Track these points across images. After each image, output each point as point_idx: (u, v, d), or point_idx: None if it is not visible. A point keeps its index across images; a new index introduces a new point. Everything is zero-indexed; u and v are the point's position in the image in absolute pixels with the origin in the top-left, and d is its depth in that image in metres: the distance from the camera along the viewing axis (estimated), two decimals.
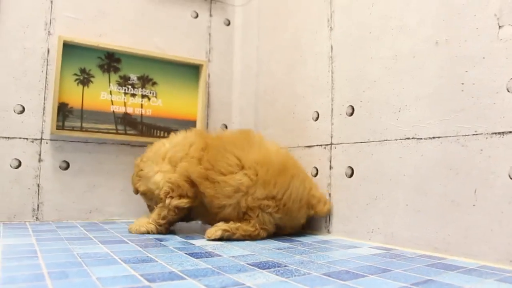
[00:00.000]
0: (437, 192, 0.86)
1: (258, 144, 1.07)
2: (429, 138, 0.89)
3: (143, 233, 1.04)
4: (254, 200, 0.98)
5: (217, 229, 0.96)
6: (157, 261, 0.71)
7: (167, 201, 1.03)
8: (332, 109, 1.15)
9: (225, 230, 0.96)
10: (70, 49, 1.25)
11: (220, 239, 0.95)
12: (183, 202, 1.04)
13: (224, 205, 1.01)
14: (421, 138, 0.90)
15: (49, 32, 1.24)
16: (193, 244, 0.90)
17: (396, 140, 0.96)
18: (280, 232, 1.05)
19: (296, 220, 1.06)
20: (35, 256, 0.73)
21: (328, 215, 1.11)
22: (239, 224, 0.98)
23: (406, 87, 0.95)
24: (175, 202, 1.03)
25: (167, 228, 1.06)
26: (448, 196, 0.84)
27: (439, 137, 0.87)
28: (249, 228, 0.98)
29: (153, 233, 1.04)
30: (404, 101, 0.95)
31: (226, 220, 1.01)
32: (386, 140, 0.98)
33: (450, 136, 0.85)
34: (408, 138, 0.93)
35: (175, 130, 1.36)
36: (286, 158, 1.08)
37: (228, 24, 1.57)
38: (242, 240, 0.97)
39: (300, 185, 1.04)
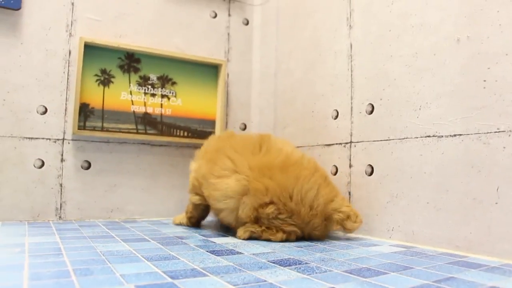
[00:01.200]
0: (459, 190, 0.85)
1: (266, 149, 1.04)
2: (450, 135, 0.88)
3: (177, 224, 1.19)
4: (250, 211, 0.95)
5: (245, 230, 0.96)
6: (178, 259, 0.72)
7: (189, 197, 1.15)
8: (351, 107, 1.14)
9: (252, 232, 0.96)
10: (91, 50, 1.26)
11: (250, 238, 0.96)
12: (195, 199, 1.12)
13: (218, 208, 1.01)
14: (442, 136, 0.89)
15: (70, 33, 1.26)
16: (214, 242, 0.91)
17: (417, 138, 0.95)
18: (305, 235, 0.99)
19: (312, 228, 0.96)
20: (60, 253, 0.74)
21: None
22: (264, 228, 0.95)
23: (426, 85, 0.94)
24: (192, 198, 1.14)
25: (194, 222, 1.16)
26: (470, 194, 0.83)
27: (460, 134, 0.86)
28: (270, 236, 0.94)
29: (183, 225, 1.17)
30: (425, 99, 0.94)
31: (226, 222, 1.03)
32: (407, 138, 0.98)
33: (471, 134, 0.84)
34: (429, 136, 0.92)
35: (195, 130, 1.38)
36: (293, 161, 1.00)
37: (247, 23, 1.58)
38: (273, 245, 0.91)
39: (310, 190, 0.95)
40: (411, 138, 0.97)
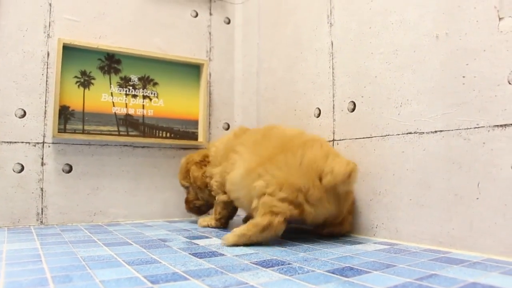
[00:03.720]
0: (441, 186, 0.86)
1: (256, 136, 1.06)
2: (431, 132, 0.88)
3: (204, 227, 1.18)
4: (249, 193, 0.94)
5: (233, 236, 0.87)
6: (160, 262, 0.71)
7: (217, 197, 1.16)
8: (333, 105, 1.14)
9: (242, 235, 0.87)
10: (70, 52, 1.24)
11: (236, 245, 0.87)
12: (224, 197, 1.13)
13: (237, 197, 1.05)
14: (423, 132, 0.90)
15: (48, 35, 1.24)
16: (197, 244, 0.90)
17: (398, 135, 0.95)
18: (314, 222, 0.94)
19: (322, 207, 0.89)
20: (39, 260, 0.73)
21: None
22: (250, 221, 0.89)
23: (407, 81, 0.94)
24: (220, 197, 1.14)
25: (223, 223, 1.17)
26: (451, 190, 0.84)
27: (441, 131, 0.86)
28: (258, 220, 0.86)
29: (212, 227, 1.17)
30: (406, 95, 0.94)
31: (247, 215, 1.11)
32: (388, 135, 0.98)
33: (452, 130, 0.84)
34: (410, 133, 0.93)
35: (177, 130, 1.37)
36: (289, 137, 0.99)
37: (229, 22, 1.57)
38: (257, 245, 0.87)
39: (303, 155, 0.91)
40: (393, 135, 0.97)
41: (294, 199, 0.87)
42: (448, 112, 0.85)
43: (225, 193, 1.12)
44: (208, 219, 1.19)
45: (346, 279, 0.61)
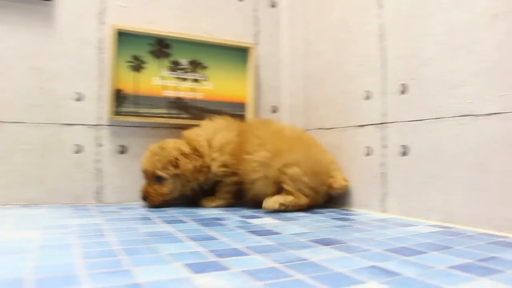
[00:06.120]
0: (498, 170, 0.84)
1: (274, 127, 1.26)
2: (488, 114, 0.87)
3: (213, 207, 1.21)
4: (277, 170, 1.14)
5: (274, 202, 1.10)
6: (220, 239, 0.74)
7: (227, 179, 1.23)
8: (384, 87, 1.13)
9: (281, 204, 1.10)
10: (122, 37, 1.28)
11: (277, 211, 1.10)
12: (236, 178, 1.22)
13: (254, 179, 1.17)
14: (479, 115, 0.88)
15: (101, 21, 1.28)
16: (251, 223, 0.92)
17: (453, 117, 0.94)
18: (314, 203, 1.18)
19: (325, 186, 1.19)
20: (105, 234, 0.77)
21: (382, 196, 1.11)
22: (291, 197, 1.12)
23: (461, 62, 0.93)
24: (233, 178, 1.23)
25: (230, 201, 1.25)
26: (509, 173, 0.82)
27: (498, 113, 0.85)
28: (295, 199, 1.12)
29: (222, 206, 1.22)
30: (460, 77, 0.93)
31: (259, 194, 1.17)
32: (442, 118, 0.97)
33: (510, 112, 0.83)
34: (465, 115, 0.91)
35: (226, 113, 1.39)
36: (300, 134, 1.28)
37: (274, 6, 1.57)
38: (293, 211, 1.11)
39: (318, 152, 1.23)
40: (447, 117, 0.96)
41: (318, 189, 1.17)
42: (506, 94, 0.83)
43: (237, 174, 1.21)
44: (216, 199, 1.23)
45: (405, 257, 0.62)
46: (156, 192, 1.18)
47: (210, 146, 1.23)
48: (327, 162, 1.23)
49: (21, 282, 0.48)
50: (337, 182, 1.19)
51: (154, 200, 1.18)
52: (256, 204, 1.18)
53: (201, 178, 1.20)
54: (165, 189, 1.18)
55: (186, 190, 1.22)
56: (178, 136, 1.29)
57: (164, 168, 1.17)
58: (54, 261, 0.57)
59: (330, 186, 1.19)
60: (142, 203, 1.21)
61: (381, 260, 0.60)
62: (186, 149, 1.20)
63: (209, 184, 1.24)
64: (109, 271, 0.53)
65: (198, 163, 1.19)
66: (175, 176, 1.18)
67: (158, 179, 1.18)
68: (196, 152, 1.21)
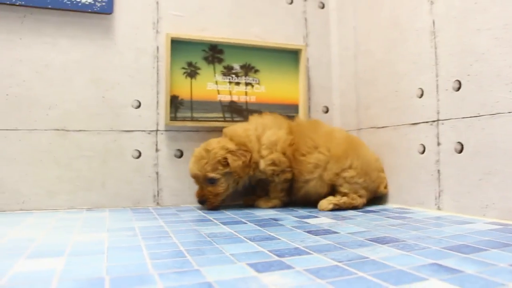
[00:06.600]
0: None
1: (324, 129, 1.30)
2: None
3: (269, 208, 1.25)
4: (334, 174, 1.20)
5: (329, 203, 1.17)
6: (279, 239, 0.76)
7: (280, 176, 1.25)
8: (437, 85, 1.12)
9: (335, 204, 1.17)
10: (176, 45, 1.33)
11: (330, 210, 1.16)
12: (289, 175, 1.25)
13: (308, 179, 1.22)
14: None
15: (157, 31, 1.34)
16: (308, 223, 0.94)
17: (509, 112, 0.92)
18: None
19: (375, 183, 1.26)
20: (169, 236, 0.80)
21: (438, 192, 1.09)
22: (345, 197, 1.19)
23: None
24: (287, 175, 1.26)
25: (284, 200, 1.29)
26: None
27: None
28: (349, 200, 1.18)
29: (278, 207, 1.26)
30: None
31: (311, 193, 1.23)
32: (498, 114, 0.95)
33: None
34: None
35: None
36: (350, 136, 1.32)
37: (323, 7, 1.58)
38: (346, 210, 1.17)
39: (367, 152, 1.29)
40: (504, 113, 0.93)
41: (370, 189, 1.25)
42: None
43: (287, 172, 1.24)
44: (271, 200, 1.26)
45: (465, 255, 0.61)
46: (212, 193, 1.19)
47: (259, 142, 1.24)
48: (375, 160, 1.29)
49: (103, 280, 0.52)
50: (385, 183, 1.29)
51: (212, 201, 1.19)
52: (306, 202, 1.26)
53: (251, 173, 1.23)
54: (220, 188, 1.20)
55: (239, 186, 1.25)
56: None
57: (214, 169, 1.18)
58: (126, 262, 0.61)
59: (378, 186, 1.27)
60: (198, 205, 1.25)
61: (440, 258, 0.60)
62: (232, 146, 1.21)
63: (253, 182, 1.28)
64: (180, 271, 0.56)
65: (246, 158, 1.20)
66: (227, 174, 1.20)
67: (211, 181, 1.19)
68: (243, 147, 1.22)
